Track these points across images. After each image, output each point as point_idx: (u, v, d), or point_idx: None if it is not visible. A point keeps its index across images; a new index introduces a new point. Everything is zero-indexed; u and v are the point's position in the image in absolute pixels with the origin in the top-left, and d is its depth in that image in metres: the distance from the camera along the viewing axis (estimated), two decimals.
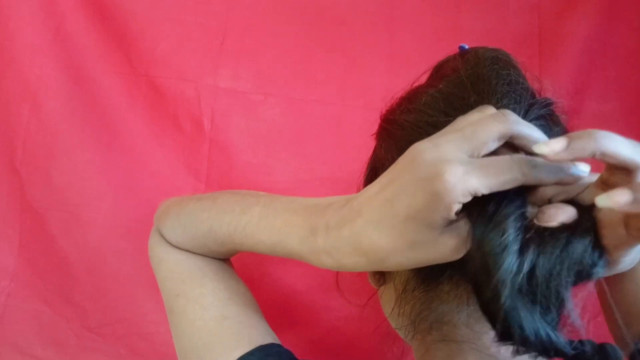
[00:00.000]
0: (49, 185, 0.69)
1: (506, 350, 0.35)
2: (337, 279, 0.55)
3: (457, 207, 0.29)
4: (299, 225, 0.37)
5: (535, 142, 0.31)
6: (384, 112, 0.44)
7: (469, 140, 0.30)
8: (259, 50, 0.72)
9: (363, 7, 0.72)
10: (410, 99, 0.41)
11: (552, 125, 0.37)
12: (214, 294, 0.47)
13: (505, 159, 0.30)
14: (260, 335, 0.45)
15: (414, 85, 0.44)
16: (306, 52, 0.72)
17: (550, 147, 0.29)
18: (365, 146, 0.45)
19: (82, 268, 0.69)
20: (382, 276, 0.43)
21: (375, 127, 0.44)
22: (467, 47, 0.43)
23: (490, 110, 0.33)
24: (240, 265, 0.70)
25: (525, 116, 0.36)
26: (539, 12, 0.71)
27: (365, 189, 0.34)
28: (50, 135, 0.68)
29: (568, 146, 0.29)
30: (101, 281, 0.69)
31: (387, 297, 0.43)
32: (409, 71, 0.44)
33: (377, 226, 0.31)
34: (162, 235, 0.52)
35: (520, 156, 0.30)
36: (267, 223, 0.40)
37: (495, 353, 0.35)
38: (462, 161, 0.29)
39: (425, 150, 0.30)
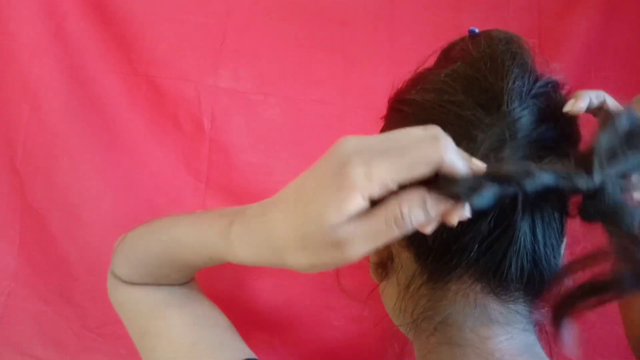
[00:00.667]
0: (49, 185, 0.69)
1: (510, 355, 0.35)
2: (338, 276, 0.55)
3: (360, 202, 0.29)
4: (218, 222, 0.38)
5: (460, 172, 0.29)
6: (391, 95, 0.43)
7: (398, 164, 0.29)
8: (259, 50, 0.71)
9: (363, 7, 0.72)
10: (424, 80, 0.41)
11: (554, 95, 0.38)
12: (179, 322, 0.46)
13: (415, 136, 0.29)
14: (232, 352, 0.44)
15: (420, 69, 0.44)
16: (306, 52, 0.72)
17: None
18: None
19: (82, 268, 0.69)
20: (384, 270, 0.42)
21: (375, 127, 0.44)
22: (477, 30, 0.42)
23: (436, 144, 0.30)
24: (239, 266, 0.70)
25: (529, 93, 0.36)
26: (539, 12, 0.71)
27: (290, 185, 0.34)
28: (50, 135, 0.68)
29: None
30: (101, 281, 0.68)
31: (389, 292, 0.42)
32: (409, 71, 0.44)
33: (284, 216, 0.31)
34: (117, 277, 0.52)
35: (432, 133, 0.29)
36: (194, 228, 0.41)
37: (500, 359, 0.35)
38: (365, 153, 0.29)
39: (354, 163, 0.29)
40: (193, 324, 0.46)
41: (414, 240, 0.37)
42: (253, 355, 0.44)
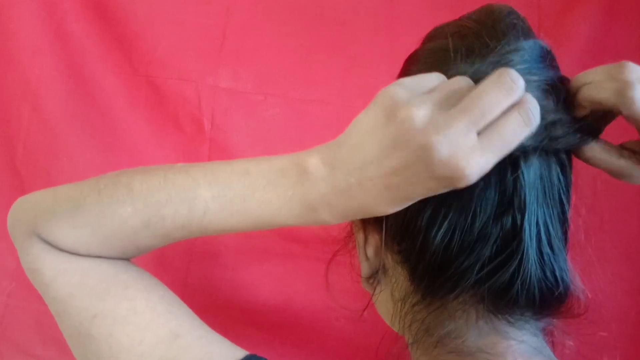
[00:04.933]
0: (50, 185, 0.68)
1: (523, 357, 0.34)
2: (327, 283, 0.53)
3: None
4: (287, 206, 0.36)
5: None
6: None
7: (480, 122, 0.30)
8: (259, 50, 0.71)
9: (363, 7, 0.72)
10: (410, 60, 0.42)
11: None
12: (150, 308, 0.38)
13: (516, 124, 0.31)
14: (227, 349, 0.38)
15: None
16: (306, 52, 0.71)
17: None
18: None
19: None
20: (375, 280, 0.41)
21: None
22: None
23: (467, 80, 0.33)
24: (239, 265, 0.70)
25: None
26: (539, 12, 0.71)
27: (354, 153, 0.34)
28: (50, 135, 0.68)
29: None
30: None
31: (383, 303, 0.41)
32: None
33: (389, 204, 0.33)
34: (47, 242, 0.41)
35: (527, 114, 0.31)
36: (235, 209, 0.37)
37: None
38: (477, 150, 0.30)
39: (439, 146, 0.30)
40: (168, 312, 0.39)
41: (409, 257, 0.37)
42: (247, 353, 0.39)
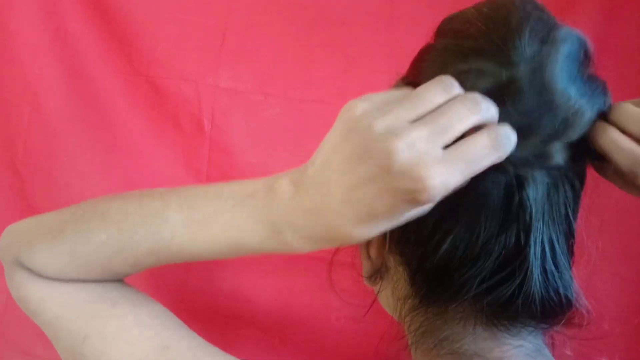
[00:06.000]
0: (50, 186, 0.69)
1: None
2: (330, 280, 0.54)
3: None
4: (252, 227, 0.35)
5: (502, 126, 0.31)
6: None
7: (444, 134, 0.30)
8: (259, 50, 0.71)
9: (363, 7, 0.72)
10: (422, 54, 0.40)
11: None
12: (138, 322, 0.39)
13: (483, 145, 0.30)
14: (225, 357, 0.38)
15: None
16: (306, 52, 0.71)
17: None
18: None
19: None
20: (377, 276, 0.41)
21: None
22: None
23: (454, 88, 0.32)
24: (238, 265, 0.71)
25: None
26: None
27: (320, 171, 0.33)
28: (50, 135, 0.68)
29: None
30: None
31: (384, 298, 0.42)
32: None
33: (354, 223, 0.31)
34: (29, 270, 0.42)
35: (496, 138, 0.30)
36: (202, 232, 0.36)
37: None
38: (440, 162, 0.29)
39: (399, 152, 0.29)
40: (157, 324, 0.39)
41: (410, 262, 0.37)
42: None
